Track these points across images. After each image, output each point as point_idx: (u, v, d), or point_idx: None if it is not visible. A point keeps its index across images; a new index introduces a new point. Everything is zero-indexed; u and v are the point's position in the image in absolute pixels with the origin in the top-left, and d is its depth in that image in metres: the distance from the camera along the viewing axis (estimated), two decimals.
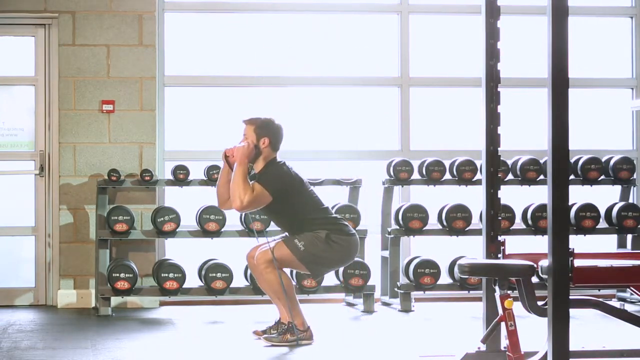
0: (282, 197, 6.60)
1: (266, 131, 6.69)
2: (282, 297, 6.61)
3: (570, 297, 4.46)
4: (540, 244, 8.35)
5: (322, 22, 9.04)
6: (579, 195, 8.75)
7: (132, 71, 8.64)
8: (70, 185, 8.56)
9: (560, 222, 4.40)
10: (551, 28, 4.42)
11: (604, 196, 8.92)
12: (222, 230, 8.28)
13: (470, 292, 8.42)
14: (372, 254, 8.66)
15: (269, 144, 6.68)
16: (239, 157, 6.58)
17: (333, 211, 8.35)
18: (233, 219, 8.35)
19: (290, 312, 6.62)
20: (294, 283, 6.88)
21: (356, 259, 8.33)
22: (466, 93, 9.09)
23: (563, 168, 4.42)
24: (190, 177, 8.41)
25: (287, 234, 6.78)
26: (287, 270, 6.89)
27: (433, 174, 8.59)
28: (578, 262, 4.76)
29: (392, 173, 8.59)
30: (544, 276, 4.62)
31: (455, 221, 8.42)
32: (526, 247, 8.44)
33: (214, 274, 8.14)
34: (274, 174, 6.63)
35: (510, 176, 8.68)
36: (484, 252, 5.53)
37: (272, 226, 7.81)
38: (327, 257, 6.65)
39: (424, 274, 8.29)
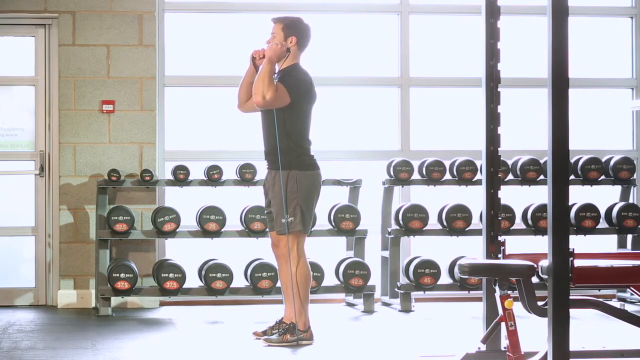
0: (296, 104, 6.64)
1: (294, 30, 6.77)
2: (295, 292, 6.59)
3: (570, 297, 4.46)
4: (540, 244, 8.35)
5: (323, 22, 9.03)
6: (579, 195, 8.75)
7: (132, 71, 8.64)
8: (70, 185, 8.56)
9: (560, 222, 4.40)
10: (551, 28, 4.42)
11: (604, 196, 8.92)
12: (222, 230, 8.28)
13: (471, 292, 8.42)
14: (372, 254, 8.66)
15: (296, 43, 6.74)
16: (269, 55, 6.64)
17: (333, 213, 8.39)
18: (233, 219, 8.35)
19: (295, 308, 6.60)
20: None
21: (356, 259, 8.34)
22: (466, 93, 9.09)
23: (563, 168, 4.42)
24: (190, 177, 8.41)
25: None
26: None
27: (433, 174, 8.59)
28: (578, 262, 4.77)
29: (392, 173, 8.58)
30: (544, 276, 4.62)
31: (456, 221, 8.42)
32: (526, 247, 8.45)
33: (214, 274, 8.14)
34: (298, 78, 6.69)
35: (510, 176, 8.68)
36: (484, 252, 5.53)
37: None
38: (306, 202, 6.65)
39: (424, 274, 8.29)
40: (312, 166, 6.72)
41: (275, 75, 6.72)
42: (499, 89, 5.54)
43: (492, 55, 5.51)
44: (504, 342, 5.20)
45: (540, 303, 4.99)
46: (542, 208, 8.50)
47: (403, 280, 8.47)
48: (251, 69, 6.82)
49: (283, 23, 6.79)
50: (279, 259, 6.77)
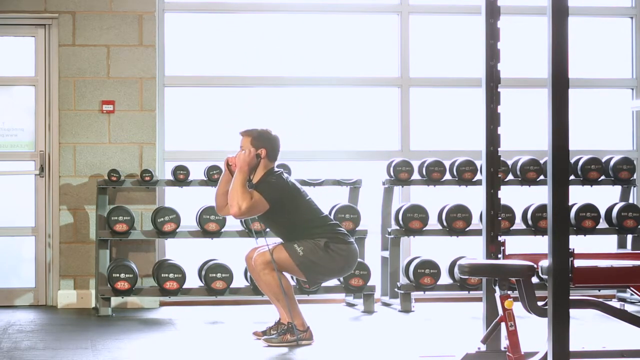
0: (280, 206, 6.62)
1: (263, 142, 6.70)
2: (281, 298, 6.62)
3: (570, 298, 4.46)
4: (540, 244, 8.35)
5: (322, 22, 9.04)
6: (579, 195, 8.75)
7: (132, 71, 8.64)
8: (70, 185, 8.56)
9: (561, 222, 4.40)
10: (551, 28, 4.42)
11: (604, 196, 8.92)
12: (222, 230, 8.28)
13: (470, 292, 8.42)
14: (372, 254, 8.66)
15: (267, 155, 6.70)
16: (239, 165, 6.59)
17: (333, 213, 8.38)
18: (233, 220, 8.34)
19: (289, 313, 6.62)
20: (292, 284, 6.88)
21: None
22: (466, 93, 9.09)
23: (563, 168, 4.41)
24: (190, 178, 8.41)
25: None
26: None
27: (433, 174, 8.59)
28: (578, 263, 4.77)
29: (392, 173, 8.59)
30: (544, 276, 4.62)
31: (456, 221, 8.41)
32: (526, 247, 8.45)
33: (214, 274, 8.14)
34: (272, 183, 6.64)
35: (510, 176, 8.68)
36: (484, 253, 5.53)
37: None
38: (326, 266, 6.65)
39: (424, 274, 8.29)
40: (345, 240, 6.71)
41: (252, 182, 6.70)
42: (499, 89, 5.54)
43: (492, 55, 5.51)
44: (504, 342, 5.20)
45: (540, 303, 4.99)
46: (542, 208, 8.50)
47: (403, 280, 8.47)
48: (226, 175, 6.75)
49: (251, 136, 6.71)
50: (252, 273, 6.78)
